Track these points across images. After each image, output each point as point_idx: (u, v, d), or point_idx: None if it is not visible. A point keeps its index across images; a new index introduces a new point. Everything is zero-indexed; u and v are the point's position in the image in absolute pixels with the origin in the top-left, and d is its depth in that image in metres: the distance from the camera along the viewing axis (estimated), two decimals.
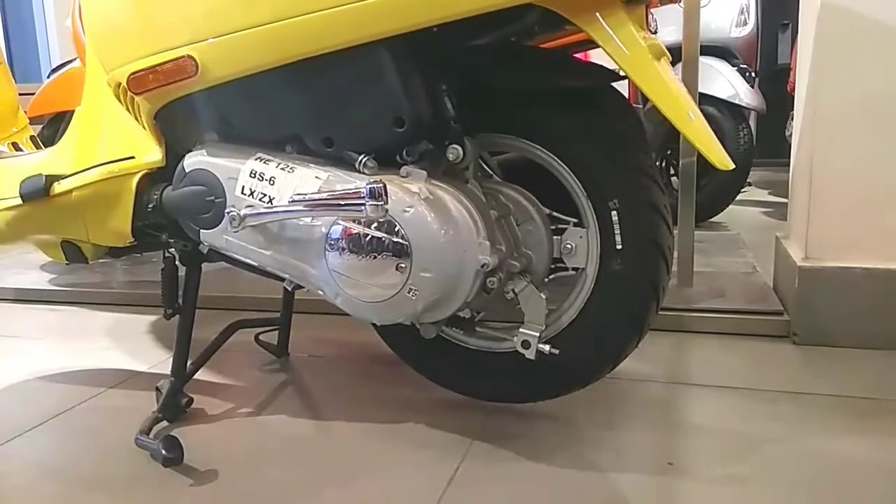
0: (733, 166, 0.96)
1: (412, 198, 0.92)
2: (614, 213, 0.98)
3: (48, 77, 2.44)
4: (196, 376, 1.27)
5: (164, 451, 1.03)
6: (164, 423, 1.17)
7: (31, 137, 1.74)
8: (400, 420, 1.17)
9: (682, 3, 1.72)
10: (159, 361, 1.50)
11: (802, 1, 1.58)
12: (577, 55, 1.43)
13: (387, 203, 0.88)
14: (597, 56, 1.08)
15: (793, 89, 1.80)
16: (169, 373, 1.19)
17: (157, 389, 1.19)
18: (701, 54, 1.73)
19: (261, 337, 1.48)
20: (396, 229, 0.92)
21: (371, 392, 1.30)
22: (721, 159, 0.92)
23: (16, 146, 1.63)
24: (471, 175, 1.01)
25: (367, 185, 0.87)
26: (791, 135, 1.74)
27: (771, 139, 4.15)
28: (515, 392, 1.13)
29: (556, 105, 0.99)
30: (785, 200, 1.74)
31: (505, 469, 1.01)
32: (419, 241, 0.92)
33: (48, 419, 1.23)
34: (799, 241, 1.53)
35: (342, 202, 0.91)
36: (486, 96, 1.01)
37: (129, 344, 1.63)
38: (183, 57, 0.96)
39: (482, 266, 0.94)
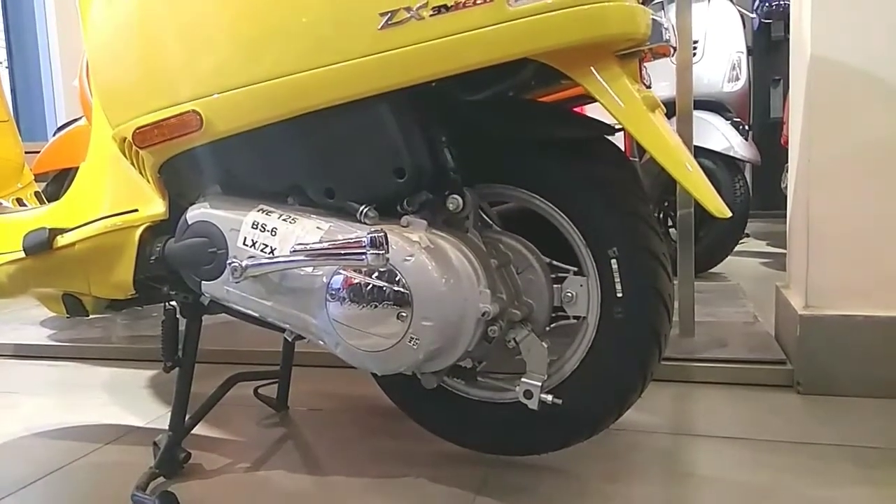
0: (730, 214, 0.97)
1: (413, 247, 0.93)
2: (614, 260, 0.99)
3: (54, 135, 2.48)
4: (194, 431, 1.26)
5: None
6: (162, 479, 1.15)
7: (36, 193, 1.76)
8: (401, 474, 1.15)
9: (673, 60, 1.76)
10: (157, 416, 1.48)
11: (793, 54, 1.62)
12: (573, 109, 1.46)
13: (388, 252, 0.89)
14: (593, 111, 1.10)
15: (786, 142, 1.83)
16: (167, 427, 1.17)
17: (155, 444, 1.18)
18: (694, 109, 1.77)
19: (260, 390, 1.47)
20: (397, 278, 0.93)
21: (371, 446, 1.28)
22: (718, 207, 0.93)
23: (20, 202, 1.65)
24: (471, 224, 1.02)
25: (368, 234, 0.88)
26: (787, 186, 1.76)
27: (767, 191, 4.20)
28: (518, 444, 1.12)
29: (554, 155, 1.01)
30: (783, 251, 1.75)
31: None
32: (420, 290, 0.92)
33: (45, 475, 1.21)
34: (799, 290, 1.53)
35: (343, 251, 0.91)
36: (485, 147, 1.02)
37: (127, 399, 1.61)
38: (188, 112, 0.99)
39: (483, 314, 0.94)
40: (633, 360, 1.00)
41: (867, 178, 1.42)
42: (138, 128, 1.03)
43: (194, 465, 1.21)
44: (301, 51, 0.92)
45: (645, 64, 1.26)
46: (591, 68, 0.90)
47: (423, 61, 0.88)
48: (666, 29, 1.01)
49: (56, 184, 2.36)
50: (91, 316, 1.31)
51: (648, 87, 1.14)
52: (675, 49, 1.66)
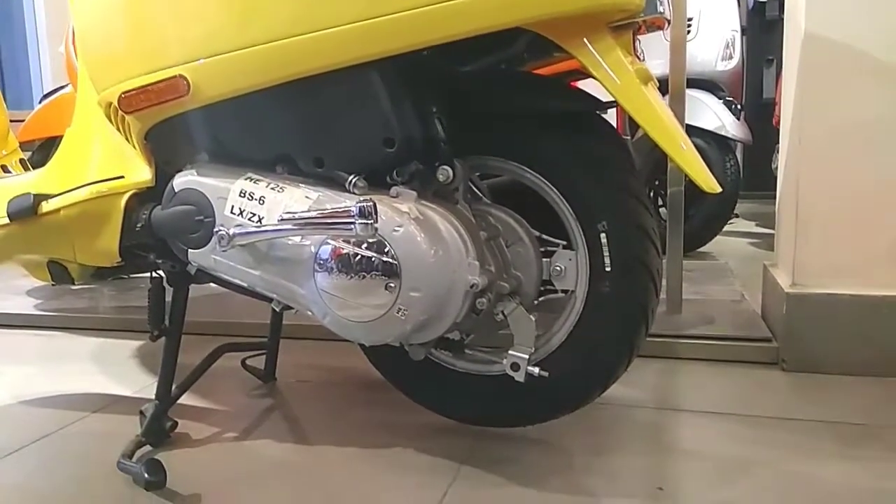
0: (720, 189, 0.97)
1: (402, 217, 0.93)
2: (603, 235, 0.99)
3: (39, 103, 2.45)
4: (182, 400, 1.26)
5: (146, 475, 1.01)
6: (148, 448, 1.15)
7: (21, 160, 1.74)
8: (387, 445, 1.16)
9: (667, 36, 1.75)
10: (144, 386, 1.48)
11: (787, 30, 1.61)
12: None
13: (376, 222, 0.88)
14: (588, 89, 1.09)
15: (778, 123, 1.83)
16: (154, 396, 1.17)
17: (142, 413, 1.18)
18: (687, 87, 1.76)
19: (248, 361, 1.46)
20: (386, 249, 0.93)
21: (358, 417, 1.29)
22: (708, 182, 0.93)
23: (4, 169, 1.63)
24: (460, 196, 1.02)
25: (357, 204, 0.87)
26: (777, 167, 1.76)
27: (757, 172, 4.20)
28: (504, 416, 1.12)
29: (546, 129, 1.00)
30: (772, 231, 1.75)
31: (493, 494, 0.99)
32: (408, 261, 0.92)
33: (30, 443, 1.20)
34: (786, 269, 1.54)
35: (332, 221, 0.91)
36: (476, 119, 1.02)
37: (114, 368, 1.61)
38: (175, 76, 0.97)
39: (471, 286, 0.94)
40: (620, 334, 1.01)
41: (857, 158, 1.42)
42: (124, 92, 1.02)
43: (181, 434, 1.21)
44: (291, 16, 0.91)
45: (639, 37, 1.25)
46: (584, 40, 0.89)
47: (414, 28, 0.87)
48: (660, 1, 1.00)
49: (42, 152, 2.33)
50: (77, 284, 1.30)
51: (642, 60, 1.13)
52: (669, 21, 1.65)
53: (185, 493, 1.01)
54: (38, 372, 1.61)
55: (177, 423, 1.20)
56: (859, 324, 1.42)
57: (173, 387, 1.19)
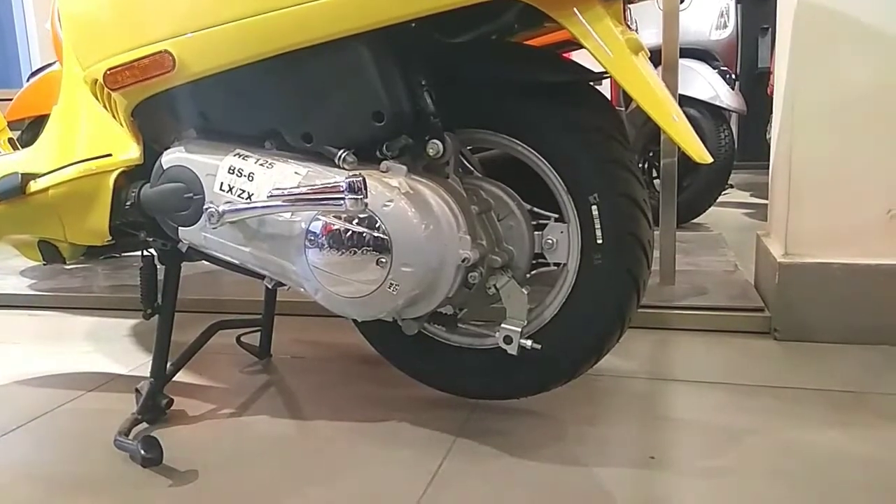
0: (712, 160, 0.97)
1: (392, 192, 0.92)
2: (594, 207, 0.98)
3: (27, 81, 2.42)
4: (177, 378, 1.26)
5: (143, 452, 1.02)
6: (144, 425, 1.16)
7: (10, 140, 1.73)
8: (383, 419, 1.16)
9: (661, 5, 1.73)
10: (139, 364, 1.48)
11: (780, 1, 1.60)
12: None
13: (366, 197, 0.88)
14: (581, 60, 1.08)
15: (773, 92, 1.82)
16: (149, 374, 1.17)
17: (137, 391, 1.18)
18: (681, 57, 1.75)
19: (242, 338, 1.47)
20: (377, 224, 0.92)
21: (353, 391, 1.29)
22: (699, 153, 0.92)
23: None
24: (451, 170, 1.02)
25: (347, 179, 0.87)
26: (772, 137, 1.76)
27: (752, 142, 4.19)
28: (498, 388, 1.13)
29: (537, 100, 1.00)
30: (766, 202, 1.75)
31: (488, 465, 1.00)
32: (399, 236, 0.92)
33: (27, 421, 1.21)
34: (779, 238, 1.54)
35: (321, 196, 0.90)
36: (466, 91, 1.01)
37: (109, 347, 1.61)
38: (160, 52, 0.96)
39: (463, 261, 0.94)
40: (612, 305, 1.01)
41: (849, 127, 1.41)
42: (109, 69, 1.01)
43: (177, 410, 1.21)
44: None
45: (629, 7, 1.23)
46: (574, 9, 0.88)
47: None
48: None
49: (31, 131, 2.31)
50: (68, 263, 1.29)
51: (634, 30, 1.12)
52: None
53: (181, 469, 1.02)
54: (33, 351, 1.62)
55: (172, 400, 1.20)
56: (851, 292, 1.43)
57: (168, 364, 1.19)
